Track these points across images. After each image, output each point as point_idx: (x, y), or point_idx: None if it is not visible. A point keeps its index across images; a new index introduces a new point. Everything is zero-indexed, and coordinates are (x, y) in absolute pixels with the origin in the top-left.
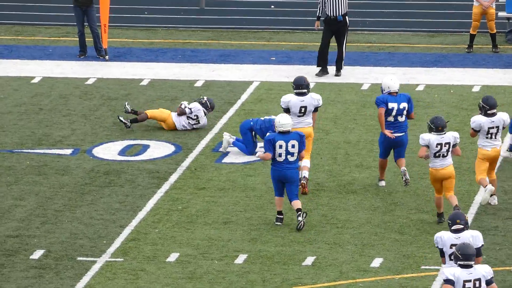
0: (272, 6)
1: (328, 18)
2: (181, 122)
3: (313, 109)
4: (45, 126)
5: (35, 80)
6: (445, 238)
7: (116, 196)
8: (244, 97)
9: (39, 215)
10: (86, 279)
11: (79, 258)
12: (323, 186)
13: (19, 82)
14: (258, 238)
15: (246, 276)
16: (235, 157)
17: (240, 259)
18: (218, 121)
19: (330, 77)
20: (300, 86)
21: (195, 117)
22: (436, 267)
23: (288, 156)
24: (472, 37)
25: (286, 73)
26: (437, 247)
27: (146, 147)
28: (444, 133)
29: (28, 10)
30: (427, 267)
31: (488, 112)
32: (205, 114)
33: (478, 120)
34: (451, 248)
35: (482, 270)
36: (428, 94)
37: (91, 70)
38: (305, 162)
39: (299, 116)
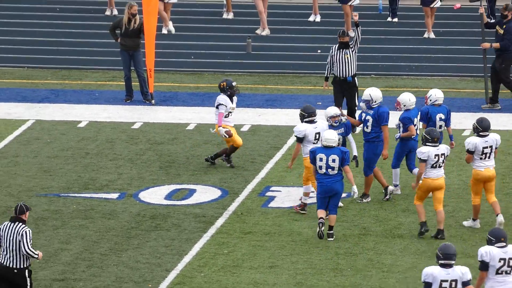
0: (319, 51)
1: (337, 79)
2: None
3: None
4: (91, 170)
5: (82, 125)
6: (494, 253)
7: (162, 240)
8: (290, 141)
9: (85, 258)
10: None
11: None
12: (369, 231)
13: (66, 126)
14: (304, 282)
15: None
16: (281, 201)
17: None
18: (264, 165)
19: None
20: (312, 113)
21: (230, 109)
22: None
23: (329, 170)
24: None
25: None
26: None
27: (192, 192)
28: (438, 145)
29: (75, 54)
30: None
31: (481, 133)
32: (230, 97)
33: (473, 140)
34: (499, 262)
35: (459, 271)
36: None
37: (137, 115)
38: (307, 188)
39: (313, 144)
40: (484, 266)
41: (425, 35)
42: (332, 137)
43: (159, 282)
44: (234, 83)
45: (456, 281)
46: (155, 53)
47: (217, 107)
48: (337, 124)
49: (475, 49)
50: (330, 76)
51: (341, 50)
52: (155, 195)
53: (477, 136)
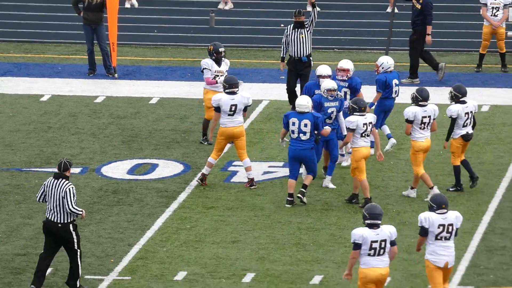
0: (282, 25)
1: (292, 59)
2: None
3: (243, 107)
4: (53, 144)
5: (44, 98)
6: (433, 218)
7: (125, 215)
8: (253, 115)
9: None
10: None
11: (86, 277)
12: (331, 206)
13: (28, 100)
14: (266, 257)
15: None
16: (244, 176)
17: (248, 277)
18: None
19: None
20: (233, 85)
21: (216, 72)
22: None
23: (301, 135)
24: (482, 56)
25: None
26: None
27: (155, 166)
28: (365, 114)
29: (37, 27)
30: None
31: (420, 103)
32: (217, 61)
33: (412, 110)
34: (438, 228)
35: (387, 231)
36: (439, 113)
37: (100, 88)
38: (245, 163)
39: (229, 115)
40: (423, 231)
41: (388, 10)
42: (303, 102)
43: (122, 256)
44: (221, 49)
45: (385, 240)
46: (118, 27)
47: (202, 71)
48: (333, 98)
49: (437, 23)
50: (287, 56)
51: (296, 29)
52: (117, 170)
53: (416, 105)
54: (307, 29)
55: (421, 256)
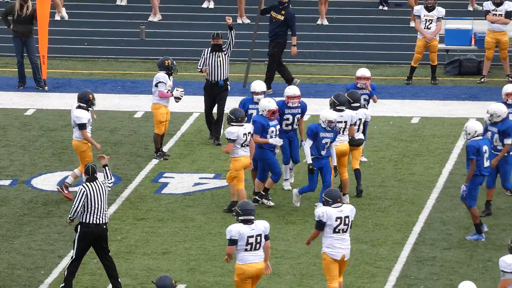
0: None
1: (209, 83)
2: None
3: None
4: None
5: None
6: (330, 212)
7: (55, 227)
8: (184, 128)
9: None
10: None
11: None
12: (262, 217)
13: None
14: (197, 268)
15: None
16: (175, 187)
17: None
18: (157, 153)
19: None
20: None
21: (168, 87)
22: None
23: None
24: (413, 69)
25: (226, 104)
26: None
27: None
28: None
29: None
30: None
31: (337, 108)
32: (169, 75)
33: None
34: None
35: (262, 226)
36: (368, 126)
37: (30, 101)
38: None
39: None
40: (320, 225)
41: (318, 22)
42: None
43: (52, 268)
44: (175, 62)
45: (260, 235)
46: (48, 40)
47: (156, 85)
48: (330, 129)
49: (369, 35)
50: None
51: (213, 53)
52: (48, 182)
53: (333, 110)
54: (225, 52)
55: (352, 267)
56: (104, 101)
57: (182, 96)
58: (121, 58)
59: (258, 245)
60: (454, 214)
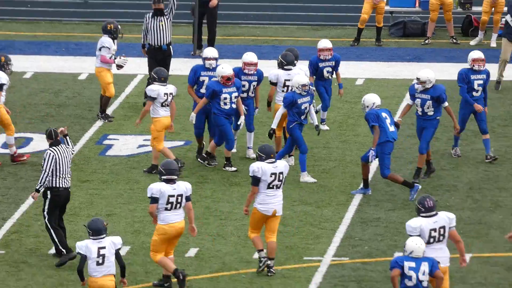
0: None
1: (152, 47)
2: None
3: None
4: None
5: None
6: (265, 168)
7: None
8: (128, 90)
9: None
10: None
11: None
12: (206, 179)
13: None
14: (141, 230)
15: (129, 268)
16: (119, 149)
17: (123, 251)
18: (102, 114)
19: None
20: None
21: (112, 51)
22: (319, 258)
23: (232, 105)
24: (360, 31)
25: (171, 65)
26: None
27: (29, 140)
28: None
29: None
30: (309, 258)
31: (285, 67)
32: (114, 39)
33: (275, 72)
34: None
35: (184, 186)
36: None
37: None
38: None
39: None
40: (255, 181)
41: None
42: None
43: None
44: (119, 26)
45: (181, 195)
46: None
47: (99, 50)
48: (306, 93)
49: None
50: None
51: (155, 17)
52: None
53: (281, 69)
54: (167, 16)
55: (296, 229)
56: (48, 63)
57: (124, 64)
58: (64, 20)
59: (178, 205)
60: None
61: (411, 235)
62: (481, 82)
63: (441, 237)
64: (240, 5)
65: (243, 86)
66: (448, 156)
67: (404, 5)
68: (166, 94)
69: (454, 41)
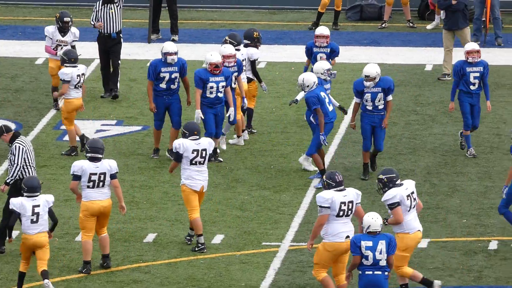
0: None
1: (101, 35)
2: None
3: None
4: None
5: None
6: (187, 144)
7: None
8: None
9: None
10: None
11: None
12: (164, 164)
13: None
14: None
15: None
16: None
17: (79, 236)
18: (59, 98)
19: None
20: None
21: (58, 42)
22: (277, 243)
23: (218, 94)
24: (320, 15)
25: (128, 50)
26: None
27: None
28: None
29: None
30: (268, 243)
31: (236, 48)
32: (61, 31)
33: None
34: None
35: (107, 164)
36: (269, 72)
37: None
38: None
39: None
40: (178, 157)
41: None
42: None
43: None
44: (66, 18)
45: (105, 173)
46: None
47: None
48: (331, 75)
49: None
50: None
51: (106, 5)
52: None
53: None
54: (117, 4)
55: (255, 214)
56: (5, 48)
57: None
58: (21, 4)
59: (101, 183)
60: (356, 160)
61: (322, 206)
62: (477, 74)
63: (349, 212)
64: None
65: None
66: (406, 141)
67: None
68: (79, 75)
69: (411, 24)
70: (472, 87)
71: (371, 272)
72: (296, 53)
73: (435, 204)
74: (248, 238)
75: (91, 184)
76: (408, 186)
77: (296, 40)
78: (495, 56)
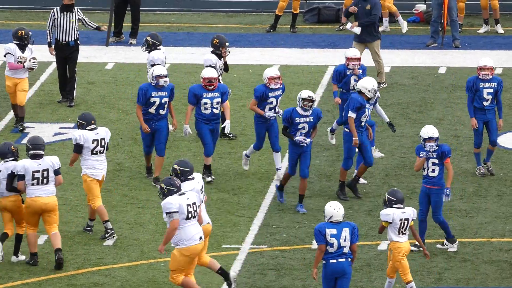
0: None
1: (59, 43)
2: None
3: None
4: None
5: None
6: (87, 136)
7: None
8: (43, 77)
9: None
10: None
11: None
12: (123, 166)
13: None
14: (59, 218)
15: (47, 257)
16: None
17: (41, 240)
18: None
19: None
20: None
21: (19, 58)
22: (237, 246)
23: (214, 110)
24: (277, 17)
25: (86, 53)
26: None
27: None
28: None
29: None
30: (228, 246)
31: (158, 47)
32: (21, 47)
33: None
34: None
35: (49, 161)
36: (227, 74)
37: None
38: None
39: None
40: (78, 148)
41: None
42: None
43: None
44: (29, 34)
45: (47, 170)
46: None
47: (5, 56)
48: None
49: None
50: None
51: (64, 13)
52: None
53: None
54: (74, 13)
55: (214, 216)
56: None
57: (35, 67)
58: None
59: (45, 180)
60: (315, 162)
61: (170, 212)
62: (491, 90)
63: (195, 213)
64: None
65: (271, 103)
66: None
67: None
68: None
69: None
70: (485, 103)
71: (335, 261)
72: (254, 56)
73: None
74: (209, 241)
75: (35, 181)
76: (190, 196)
77: (254, 43)
78: (452, 58)
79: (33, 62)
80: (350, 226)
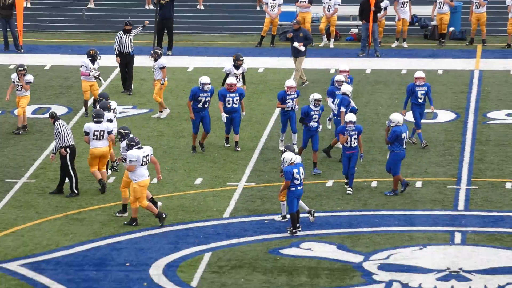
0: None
1: (123, 54)
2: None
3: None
4: None
5: None
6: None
7: (30, 141)
8: (112, 75)
9: None
10: None
11: None
12: (182, 133)
13: None
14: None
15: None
16: None
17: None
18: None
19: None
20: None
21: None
22: (236, 183)
23: (234, 105)
24: (262, 38)
25: (139, 60)
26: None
27: None
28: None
29: None
30: (231, 183)
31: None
32: (94, 61)
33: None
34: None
35: (105, 125)
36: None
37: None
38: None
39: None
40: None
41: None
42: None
43: (28, 167)
44: (94, 51)
45: (104, 131)
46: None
47: (80, 67)
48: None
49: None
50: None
51: (126, 34)
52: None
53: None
54: (131, 34)
55: (222, 164)
56: None
57: (97, 75)
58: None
59: (101, 137)
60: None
61: (131, 160)
62: (423, 92)
63: (147, 161)
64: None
65: (288, 102)
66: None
67: (288, 20)
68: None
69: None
70: (420, 100)
71: (299, 188)
72: (247, 62)
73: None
74: (218, 180)
75: (95, 137)
76: (146, 150)
77: (247, 53)
78: (375, 64)
79: (95, 72)
80: (301, 165)
